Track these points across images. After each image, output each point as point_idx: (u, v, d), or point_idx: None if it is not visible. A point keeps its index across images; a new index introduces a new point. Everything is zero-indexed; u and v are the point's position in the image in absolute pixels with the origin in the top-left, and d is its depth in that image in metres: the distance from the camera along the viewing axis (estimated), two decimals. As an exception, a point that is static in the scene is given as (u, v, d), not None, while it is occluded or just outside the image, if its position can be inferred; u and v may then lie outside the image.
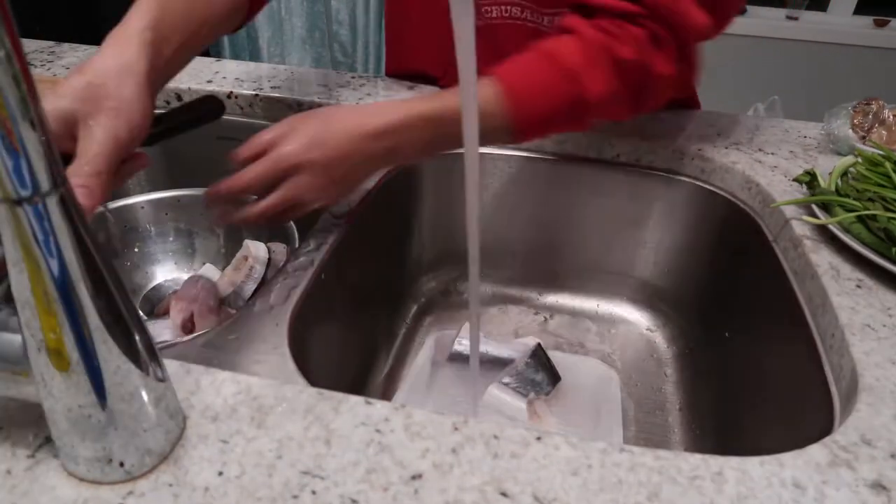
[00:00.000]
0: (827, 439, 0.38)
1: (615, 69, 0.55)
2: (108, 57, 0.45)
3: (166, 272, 0.77)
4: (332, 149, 0.51)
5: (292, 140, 0.51)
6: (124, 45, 0.47)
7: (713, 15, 0.57)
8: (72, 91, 0.42)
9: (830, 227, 0.56)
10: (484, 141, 0.46)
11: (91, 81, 0.43)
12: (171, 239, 0.78)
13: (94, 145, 0.41)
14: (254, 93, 0.81)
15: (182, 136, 0.85)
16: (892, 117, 0.72)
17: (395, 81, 0.87)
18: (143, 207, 0.75)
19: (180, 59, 0.53)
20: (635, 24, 0.55)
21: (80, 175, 0.40)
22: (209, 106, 0.59)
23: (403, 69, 0.87)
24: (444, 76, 0.83)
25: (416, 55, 0.84)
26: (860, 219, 0.55)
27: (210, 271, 0.76)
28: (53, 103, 0.41)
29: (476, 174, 0.43)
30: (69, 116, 0.41)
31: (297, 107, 0.80)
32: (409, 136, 0.53)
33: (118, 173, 0.45)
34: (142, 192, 0.79)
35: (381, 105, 0.54)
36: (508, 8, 0.73)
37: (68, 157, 0.41)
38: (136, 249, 0.76)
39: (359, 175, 0.56)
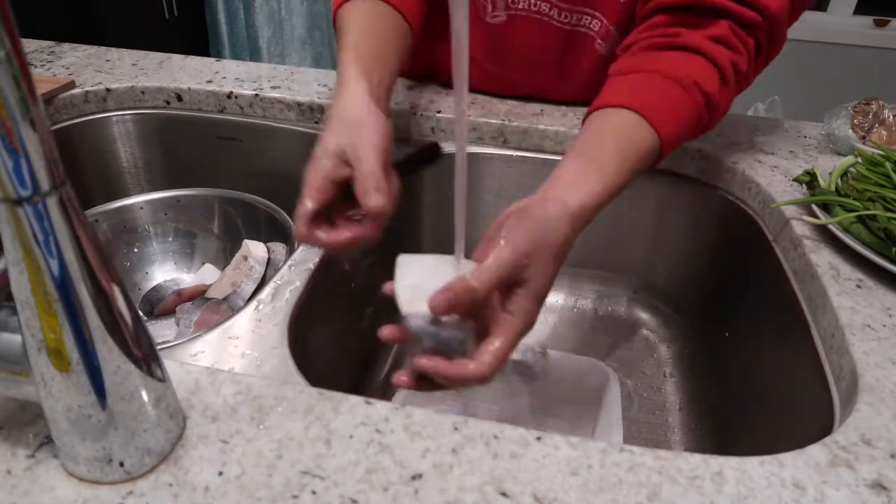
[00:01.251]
0: (827, 439, 0.38)
1: (737, 83, 0.58)
2: (345, 105, 0.54)
3: (166, 272, 0.77)
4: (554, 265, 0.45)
5: (532, 301, 0.43)
6: (350, 93, 0.55)
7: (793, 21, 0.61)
8: (332, 131, 0.52)
9: (830, 227, 0.56)
10: (639, 175, 0.51)
11: (341, 118, 0.53)
12: (170, 239, 0.78)
13: (368, 159, 0.49)
14: (254, 93, 0.81)
15: (182, 136, 0.86)
16: (892, 117, 0.72)
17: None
18: (142, 208, 0.75)
19: (388, 86, 0.60)
20: (752, 35, 0.57)
21: (372, 179, 0.49)
22: (431, 152, 0.64)
23: (409, 69, 0.87)
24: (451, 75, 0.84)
25: (421, 54, 0.84)
26: (860, 219, 0.55)
27: (209, 271, 0.76)
28: (324, 145, 0.51)
29: (464, 162, 0.43)
30: (339, 150, 0.50)
31: (297, 107, 0.80)
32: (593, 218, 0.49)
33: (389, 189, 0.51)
34: (142, 191, 0.79)
35: (572, 211, 0.47)
36: (537, 3, 0.73)
37: (348, 182, 0.50)
38: (135, 249, 0.76)
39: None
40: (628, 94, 0.54)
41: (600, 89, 0.60)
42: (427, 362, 0.40)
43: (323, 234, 0.49)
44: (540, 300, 0.44)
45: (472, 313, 0.41)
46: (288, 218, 0.70)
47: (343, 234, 0.50)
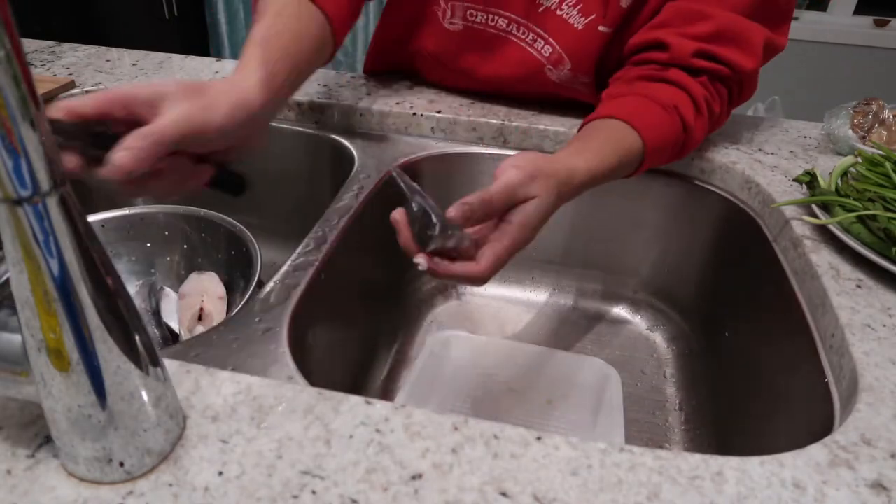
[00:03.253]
0: (827, 439, 0.38)
1: (710, 121, 0.66)
2: (227, 81, 0.50)
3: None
4: (534, 233, 0.51)
5: (522, 230, 0.49)
6: (243, 76, 0.51)
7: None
8: (180, 82, 0.47)
9: (830, 227, 0.56)
10: (620, 174, 0.59)
11: (203, 85, 0.48)
12: (133, 258, 0.74)
13: (167, 119, 0.44)
14: (254, 93, 0.81)
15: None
16: (892, 117, 0.72)
17: (396, 81, 0.87)
18: (103, 226, 0.72)
19: (286, 93, 0.56)
20: (725, 84, 0.66)
21: (137, 136, 0.43)
22: (236, 183, 0.56)
23: (384, 65, 0.88)
24: (429, 71, 0.86)
25: (399, 49, 0.85)
26: (860, 219, 0.55)
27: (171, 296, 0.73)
28: (161, 83, 0.45)
29: None
30: (163, 93, 0.45)
31: (297, 107, 0.80)
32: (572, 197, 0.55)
33: (162, 173, 0.47)
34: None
35: (569, 179, 0.53)
36: (495, 18, 0.74)
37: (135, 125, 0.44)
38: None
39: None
40: (618, 108, 0.61)
41: (548, 100, 0.75)
42: (435, 267, 0.46)
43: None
44: (540, 218, 0.50)
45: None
46: (253, 241, 0.66)
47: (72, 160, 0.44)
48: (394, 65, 0.89)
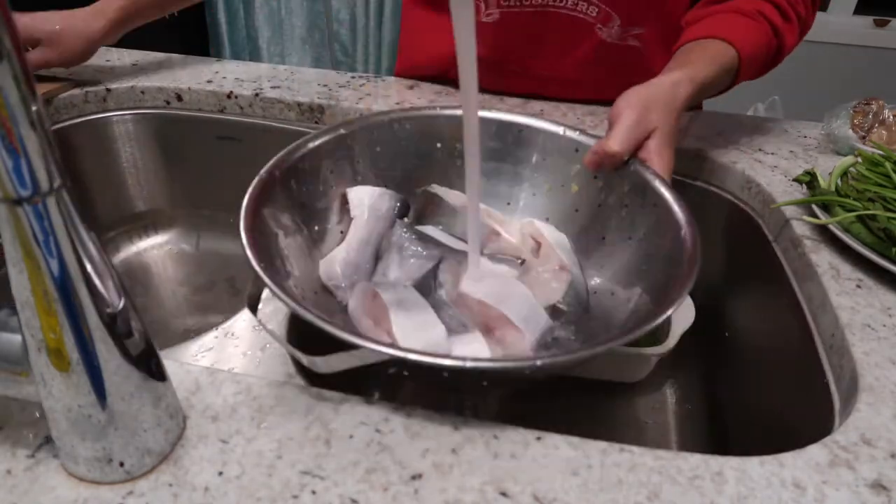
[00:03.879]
0: (827, 439, 0.38)
1: (798, 25, 0.67)
2: (81, 20, 0.73)
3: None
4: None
5: (666, 147, 0.54)
6: (95, 16, 0.75)
7: None
8: (45, 30, 0.71)
9: (830, 227, 0.56)
10: (720, 86, 0.63)
11: (60, 32, 0.72)
12: None
13: (32, 56, 0.72)
14: (254, 93, 0.81)
15: (182, 136, 0.86)
16: (892, 117, 0.72)
17: (396, 80, 0.87)
18: None
19: (134, 24, 0.80)
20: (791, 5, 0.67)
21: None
22: None
23: (409, 69, 0.87)
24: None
25: (426, 55, 0.84)
26: (860, 219, 0.55)
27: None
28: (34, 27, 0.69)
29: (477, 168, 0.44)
30: (34, 39, 0.70)
31: (297, 107, 0.80)
32: (687, 106, 0.58)
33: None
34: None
35: (679, 80, 0.57)
36: None
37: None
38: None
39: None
40: (704, 29, 0.64)
41: (600, 68, 0.76)
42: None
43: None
44: (671, 143, 0.53)
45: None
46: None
47: None
48: (421, 74, 0.87)
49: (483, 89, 0.83)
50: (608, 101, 0.79)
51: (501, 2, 0.74)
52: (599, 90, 0.80)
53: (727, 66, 0.62)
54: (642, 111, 0.52)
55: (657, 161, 0.51)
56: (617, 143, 0.51)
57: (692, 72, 0.58)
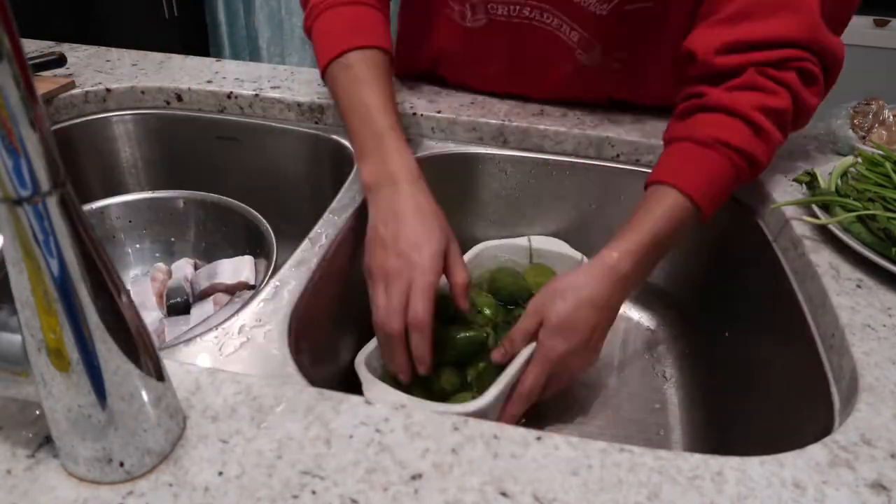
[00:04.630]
0: (827, 439, 0.38)
1: (776, 124, 0.57)
2: (422, 189, 0.59)
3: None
4: (586, 329, 0.56)
5: (549, 337, 0.56)
6: (420, 185, 0.59)
7: (839, 33, 0.59)
8: (437, 230, 0.56)
9: (830, 227, 0.56)
10: (679, 237, 0.58)
11: (433, 212, 0.57)
12: (145, 245, 0.78)
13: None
14: (254, 93, 0.81)
15: (182, 136, 0.86)
16: (892, 117, 0.72)
17: (396, 80, 0.87)
18: (109, 214, 0.76)
19: None
20: (785, 69, 0.57)
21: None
22: None
23: (409, 69, 0.87)
24: (455, 73, 0.84)
25: (419, 54, 0.84)
26: (860, 219, 0.55)
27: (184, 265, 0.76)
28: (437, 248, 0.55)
29: None
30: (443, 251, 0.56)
31: (297, 107, 0.80)
32: (639, 274, 0.58)
33: None
34: (142, 190, 0.79)
35: (604, 261, 0.57)
36: (517, 7, 0.73)
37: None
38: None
39: (610, 324, 0.60)
40: (664, 170, 0.59)
41: (578, 89, 0.76)
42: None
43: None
44: (559, 334, 0.55)
45: None
46: (269, 229, 0.69)
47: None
48: (416, 69, 0.87)
49: (474, 90, 0.84)
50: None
51: (489, 9, 0.75)
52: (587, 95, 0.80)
53: (680, 223, 0.57)
54: (547, 298, 0.56)
55: (541, 352, 0.56)
56: (517, 328, 0.57)
57: (626, 245, 0.57)
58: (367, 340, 0.60)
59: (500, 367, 0.57)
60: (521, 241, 0.76)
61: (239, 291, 0.70)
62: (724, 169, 0.57)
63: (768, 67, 0.56)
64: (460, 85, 0.84)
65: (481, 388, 0.55)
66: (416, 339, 0.53)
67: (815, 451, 0.37)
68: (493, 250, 0.75)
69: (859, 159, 0.63)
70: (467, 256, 0.72)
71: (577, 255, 0.73)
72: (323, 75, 0.67)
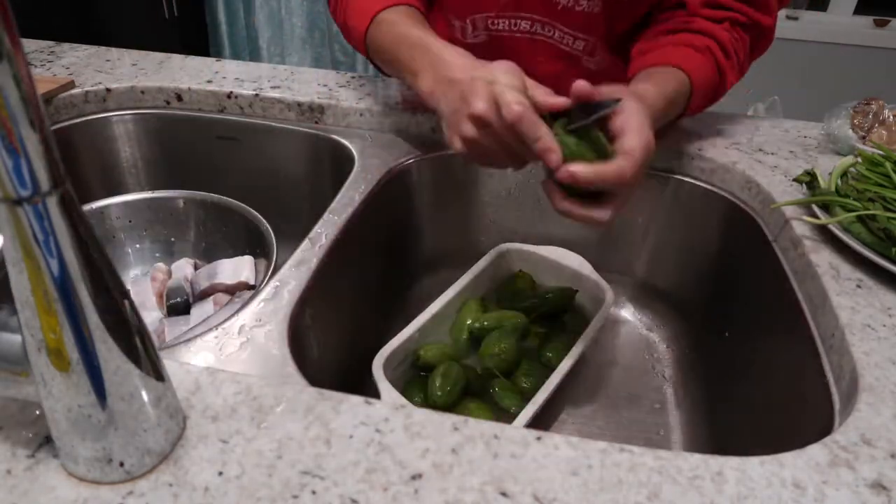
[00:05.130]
0: (827, 439, 0.38)
1: (738, 65, 0.70)
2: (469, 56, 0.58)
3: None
4: None
5: (641, 169, 0.53)
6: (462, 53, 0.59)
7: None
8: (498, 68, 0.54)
9: (830, 227, 0.56)
10: (676, 110, 0.66)
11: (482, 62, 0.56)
12: (145, 245, 0.78)
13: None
14: (254, 93, 0.81)
15: (182, 136, 0.86)
16: (892, 117, 0.72)
17: (396, 80, 0.87)
18: (111, 213, 0.76)
19: None
20: (745, 31, 0.70)
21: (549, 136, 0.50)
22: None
23: None
24: None
25: None
26: (860, 219, 0.55)
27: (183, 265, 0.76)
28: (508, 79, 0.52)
29: None
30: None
31: (297, 107, 0.80)
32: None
33: None
34: (142, 190, 0.79)
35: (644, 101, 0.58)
36: (517, 22, 0.73)
37: None
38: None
39: None
40: (658, 57, 0.66)
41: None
42: (571, 208, 0.50)
43: (580, 210, 0.51)
44: (644, 161, 0.51)
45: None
46: (269, 229, 0.69)
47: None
48: None
49: None
50: None
51: (490, 25, 0.75)
52: None
53: (683, 96, 0.65)
54: (643, 126, 0.52)
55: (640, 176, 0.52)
56: (629, 162, 0.50)
57: (657, 89, 0.62)
58: (368, 339, 0.60)
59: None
60: (544, 250, 0.76)
61: (239, 291, 0.70)
62: (710, 75, 0.67)
63: (737, 26, 0.69)
64: None
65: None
66: (527, 128, 0.49)
67: (815, 451, 0.37)
68: (515, 254, 0.76)
69: (859, 159, 0.63)
70: (487, 258, 0.73)
71: (600, 280, 0.72)
72: (365, 48, 0.70)
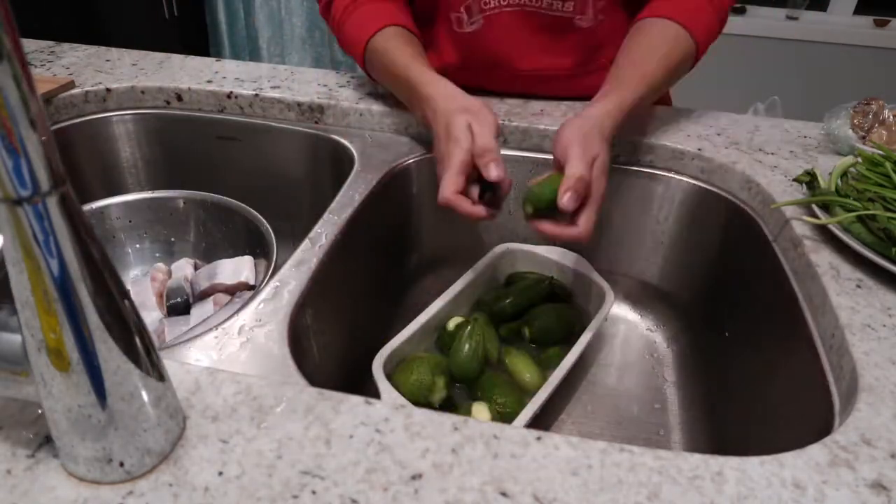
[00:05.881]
0: (827, 439, 0.38)
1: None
2: (451, 94, 0.65)
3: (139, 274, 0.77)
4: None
5: (602, 176, 0.60)
6: (446, 86, 0.66)
7: None
8: (457, 113, 0.62)
9: (830, 227, 0.56)
10: (663, 90, 0.71)
11: (458, 102, 0.63)
12: (145, 245, 0.78)
13: (488, 136, 0.60)
14: (254, 93, 0.81)
15: (182, 136, 0.86)
16: (892, 117, 0.72)
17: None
18: (111, 213, 0.76)
19: None
20: None
21: (492, 153, 0.59)
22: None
23: None
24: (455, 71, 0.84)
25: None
26: (860, 219, 0.55)
27: (183, 265, 0.76)
28: (458, 124, 0.60)
29: None
30: (469, 128, 0.60)
31: (297, 107, 0.80)
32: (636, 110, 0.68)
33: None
34: (142, 190, 0.79)
35: (619, 101, 0.65)
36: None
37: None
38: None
39: None
40: (672, 8, 0.70)
41: (581, 56, 0.80)
42: (545, 227, 0.58)
43: (467, 203, 0.58)
44: (606, 168, 0.59)
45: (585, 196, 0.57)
46: (269, 229, 0.69)
47: (479, 208, 0.59)
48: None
49: (478, 90, 0.83)
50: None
51: (483, 6, 0.75)
52: (578, 80, 0.81)
53: (679, 64, 0.69)
54: (584, 140, 0.58)
55: (597, 186, 0.57)
56: (579, 168, 0.56)
57: (621, 98, 0.65)
58: (368, 339, 0.60)
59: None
60: (544, 250, 0.76)
61: (239, 291, 0.70)
62: (716, 23, 0.72)
63: None
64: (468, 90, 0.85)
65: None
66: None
67: (815, 451, 0.37)
68: (515, 254, 0.76)
69: (859, 159, 0.63)
70: (487, 259, 0.73)
71: (601, 280, 0.72)
72: (367, 73, 0.77)
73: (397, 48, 0.70)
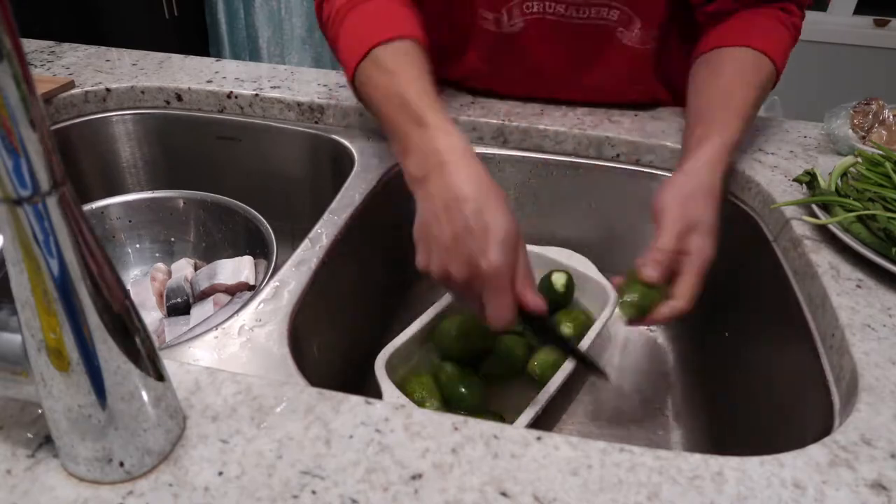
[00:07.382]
0: (827, 439, 0.38)
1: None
2: (478, 176, 0.50)
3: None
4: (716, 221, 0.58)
5: (704, 240, 0.55)
6: (471, 158, 0.52)
7: None
8: (501, 211, 0.48)
9: (830, 227, 0.56)
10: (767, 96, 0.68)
11: (489, 191, 0.49)
12: (145, 245, 0.78)
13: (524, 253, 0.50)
14: (254, 93, 0.81)
15: (182, 136, 0.86)
16: (892, 117, 0.72)
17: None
18: (109, 213, 0.76)
19: None
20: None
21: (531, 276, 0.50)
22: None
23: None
24: (466, 79, 0.83)
25: (453, 72, 0.83)
26: (860, 219, 0.55)
27: (183, 265, 0.76)
28: (510, 229, 0.48)
29: None
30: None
31: (297, 107, 0.81)
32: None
33: None
34: (142, 190, 0.79)
35: (715, 154, 0.60)
36: (531, 4, 0.73)
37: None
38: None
39: None
40: (742, 35, 0.69)
41: (622, 73, 0.77)
42: (646, 323, 0.54)
43: (539, 300, 0.50)
44: (711, 231, 0.54)
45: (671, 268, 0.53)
46: (269, 229, 0.69)
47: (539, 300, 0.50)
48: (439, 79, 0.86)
49: (494, 94, 0.83)
50: (629, 104, 0.79)
51: (525, 10, 0.74)
52: (622, 93, 0.80)
53: (764, 90, 0.67)
54: (684, 204, 0.54)
55: (698, 252, 0.53)
56: (666, 241, 0.53)
57: (725, 137, 0.60)
58: (368, 339, 0.60)
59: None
60: (547, 251, 0.75)
61: (239, 292, 0.70)
62: (790, 44, 0.72)
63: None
64: (491, 93, 0.83)
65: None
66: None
67: (815, 451, 0.37)
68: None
69: (859, 159, 0.63)
70: None
71: (604, 280, 0.71)
72: (353, 85, 0.63)
73: (401, 69, 0.58)
